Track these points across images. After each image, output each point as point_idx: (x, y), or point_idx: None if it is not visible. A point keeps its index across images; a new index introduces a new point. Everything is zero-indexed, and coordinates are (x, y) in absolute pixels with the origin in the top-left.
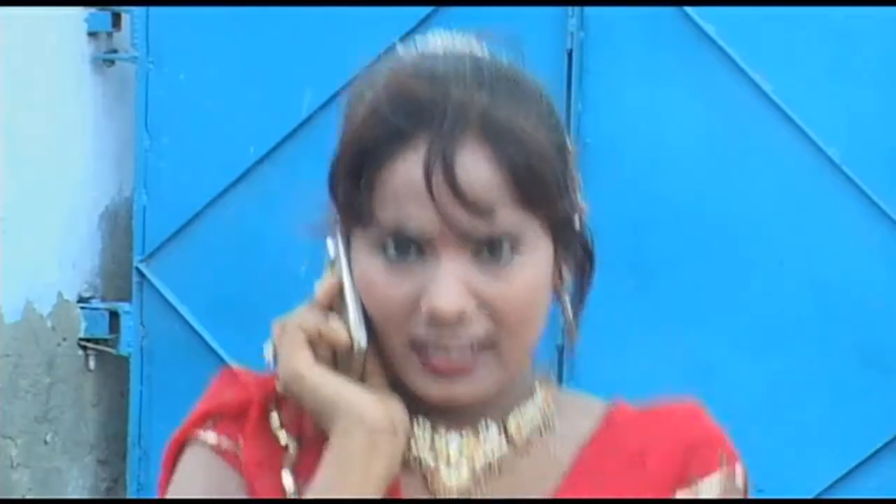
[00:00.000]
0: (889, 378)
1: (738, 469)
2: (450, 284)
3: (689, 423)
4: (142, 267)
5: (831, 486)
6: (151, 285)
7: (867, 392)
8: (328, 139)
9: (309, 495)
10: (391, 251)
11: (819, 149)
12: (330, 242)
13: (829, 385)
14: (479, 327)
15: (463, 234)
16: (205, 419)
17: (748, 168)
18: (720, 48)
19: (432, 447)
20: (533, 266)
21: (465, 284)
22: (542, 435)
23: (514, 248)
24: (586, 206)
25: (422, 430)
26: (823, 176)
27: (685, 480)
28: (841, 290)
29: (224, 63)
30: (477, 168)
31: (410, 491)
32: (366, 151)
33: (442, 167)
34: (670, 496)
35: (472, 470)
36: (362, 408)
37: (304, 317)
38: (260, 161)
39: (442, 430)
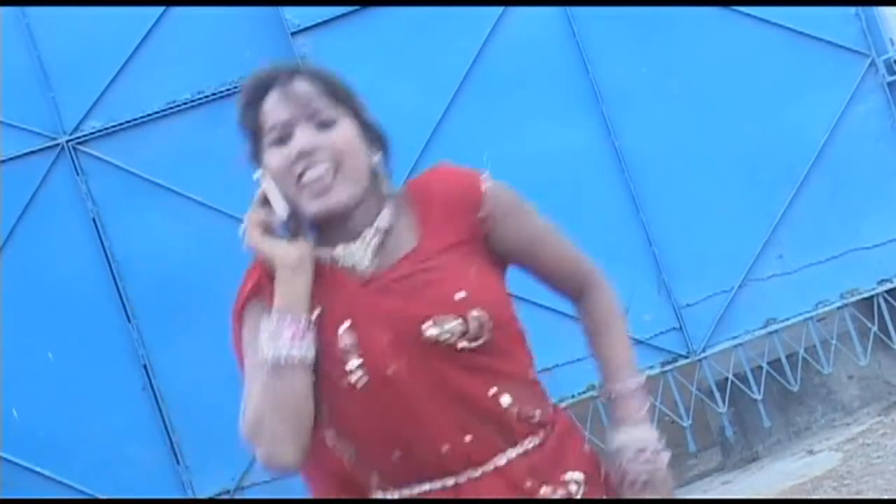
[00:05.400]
0: None
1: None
2: (302, 138)
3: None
4: None
5: None
6: None
7: None
8: None
9: (274, 309)
10: (275, 141)
11: None
12: (257, 172)
13: None
14: (325, 161)
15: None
16: (251, 295)
17: None
18: None
19: (350, 253)
20: (345, 129)
21: (311, 138)
22: (398, 221)
23: (335, 121)
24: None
25: (343, 248)
26: None
27: (477, 206)
28: None
29: None
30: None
31: (343, 274)
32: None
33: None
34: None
35: (371, 251)
36: (282, 254)
37: (251, 211)
38: None
39: (350, 244)
